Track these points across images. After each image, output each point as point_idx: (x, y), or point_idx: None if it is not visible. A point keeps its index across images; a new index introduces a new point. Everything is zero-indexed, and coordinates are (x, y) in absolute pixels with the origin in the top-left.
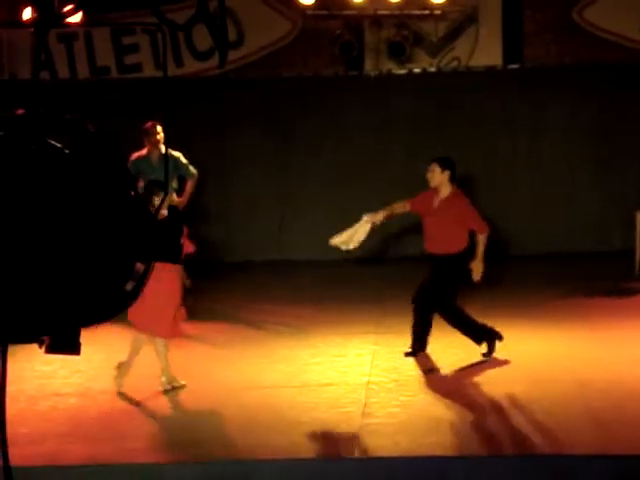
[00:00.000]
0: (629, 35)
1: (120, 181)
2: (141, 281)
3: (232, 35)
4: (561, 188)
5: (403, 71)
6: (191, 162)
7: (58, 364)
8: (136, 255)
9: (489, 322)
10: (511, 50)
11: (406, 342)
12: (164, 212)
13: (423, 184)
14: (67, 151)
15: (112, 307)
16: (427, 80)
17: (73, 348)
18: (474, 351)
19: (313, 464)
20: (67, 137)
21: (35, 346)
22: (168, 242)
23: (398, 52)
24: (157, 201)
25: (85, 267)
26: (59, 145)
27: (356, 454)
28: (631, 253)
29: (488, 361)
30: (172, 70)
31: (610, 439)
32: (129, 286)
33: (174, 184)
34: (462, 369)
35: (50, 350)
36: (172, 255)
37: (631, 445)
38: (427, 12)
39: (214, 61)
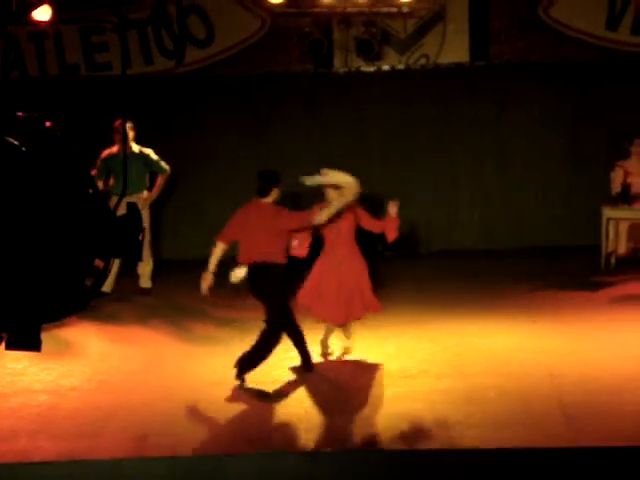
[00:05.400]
0: (595, 32)
1: (78, 178)
2: (101, 277)
3: (202, 33)
4: (529, 184)
5: (372, 68)
6: (162, 159)
7: (27, 361)
8: (95, 251)
9: (461, 316)
10: (478, 47)
11: (380, 336)
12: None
13: (396, 180)
14: (24, 149)
15: (72, 303)
16: (395, 77)
17: (33, 344)
18: (445, 345)
19: (285, 458)
20: (25, 135)
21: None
22: (127, 238)
23: (367, 50)
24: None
25: (43, 263)
26: (16, 143)
27: (328, 448)
28: (598, 248)
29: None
30: (141, 68)
31: (581, 432)
32: (89, 282)
33: (146, 181)
34: (433, 363)
35: (9, 346)
36: (131, 252)
37: (602, 437)
38: (395, 10)
39: (185, 59)
